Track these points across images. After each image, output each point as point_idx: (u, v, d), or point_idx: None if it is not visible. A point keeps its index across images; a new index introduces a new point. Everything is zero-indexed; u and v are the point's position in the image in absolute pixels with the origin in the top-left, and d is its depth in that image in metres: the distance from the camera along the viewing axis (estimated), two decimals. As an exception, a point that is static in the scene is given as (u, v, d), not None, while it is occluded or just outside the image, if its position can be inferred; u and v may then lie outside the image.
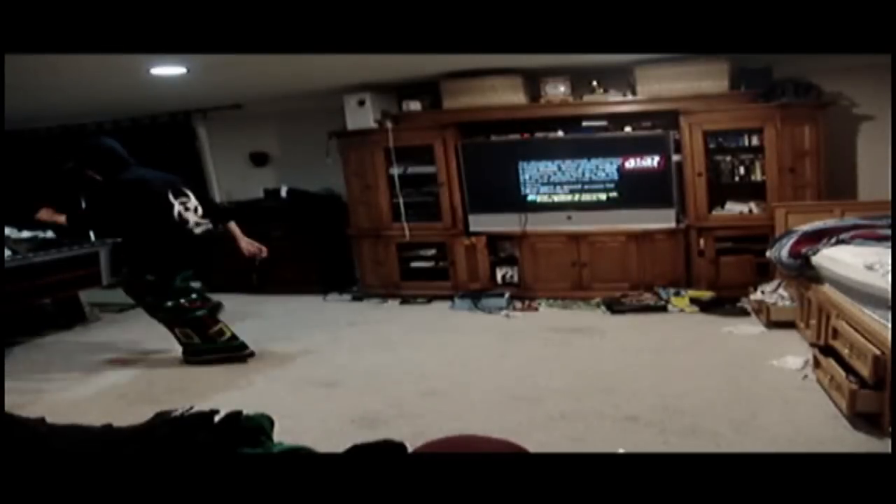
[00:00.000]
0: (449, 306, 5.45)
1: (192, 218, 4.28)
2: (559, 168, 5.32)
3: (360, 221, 5.94)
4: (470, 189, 5.55)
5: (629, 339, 4.30)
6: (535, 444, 2.29)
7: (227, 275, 6.56)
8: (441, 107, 5.54)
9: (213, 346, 4.31)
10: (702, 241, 5.06)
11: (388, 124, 5.59)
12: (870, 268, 2.97)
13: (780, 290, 4.35)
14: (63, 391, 3.96)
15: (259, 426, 2.13)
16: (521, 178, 5.40)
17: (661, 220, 5.11)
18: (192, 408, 2.18)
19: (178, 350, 4.40)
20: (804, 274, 3.78)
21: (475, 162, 5.51)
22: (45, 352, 4.91)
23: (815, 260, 3.61)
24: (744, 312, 4.64)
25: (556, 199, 5.37)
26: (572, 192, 5.32)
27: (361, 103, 5.60)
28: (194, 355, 4.33)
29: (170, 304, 4.25)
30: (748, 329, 4.28)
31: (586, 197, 5.29)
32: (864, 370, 2.72)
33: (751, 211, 4.99)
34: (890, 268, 2.78)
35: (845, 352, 2.98)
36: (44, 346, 5.06)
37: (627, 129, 5.21)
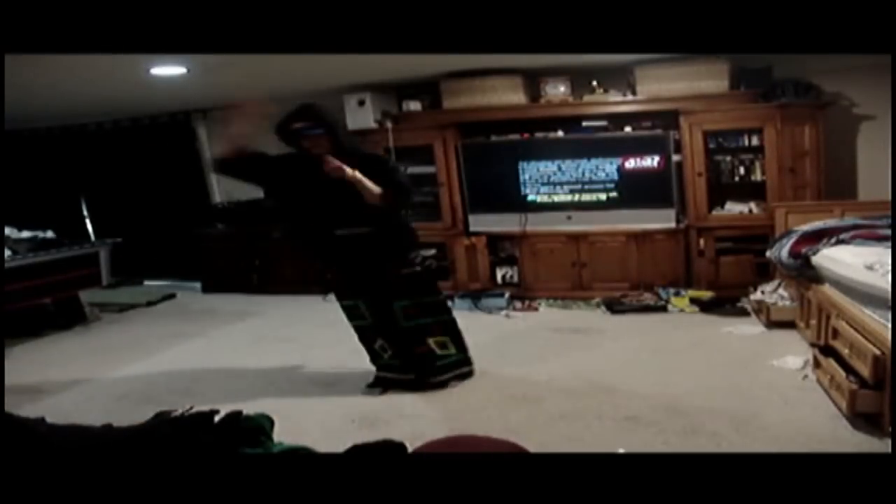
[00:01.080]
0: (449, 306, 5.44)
1: None
2: (559, 168, 5.32)
3: (360, 221, 5.92)
4: (470, 189, 5.55)
5: (629, 339, 4.30)
6: (535, 444, 2.29)
7: (227, 275, 6.59)
8: (441, 107, 5.54)
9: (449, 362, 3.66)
10: (702, 241, 5.06)
11: (388, 124, 5.59)
12: (870, 268, 2.97)
13: (780, 290, 4.35)
14: (63, 391, 3.96)
15: (259, 426, 2.13)
16: (522, 177, 5.40)
17: (661, 220, 5.11)
18: (192, 408, 2.18)
19: (174, 349, 4.39)
20: (804, 274, 3.78)
21: (475, 162, 5.51)
22: (45, 352, 4.91)
23: (815, 260, 3.61)
24: (744, 312, 4.64)
25: (556, 199, 5.37)
26: (572, 192, 5.32)
27: (361, 103, 5.59)
28: (433, 375, 3.61)
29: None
30: (748, 329, 4.28)
31: (586, 197, 5.28)
32: (864, 370, 2.72)
33: (751, 211, 4.99)
34: (890, 268, 2.78)
35: (845, 352, 2.98)
36: (44, 346, 5.05)
37: (627, 129, 5.21)
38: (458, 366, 3.68)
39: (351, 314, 3.70)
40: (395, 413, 3.31)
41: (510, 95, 5.31)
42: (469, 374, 3.72)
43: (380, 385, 3.63)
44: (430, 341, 3.60)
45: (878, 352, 2.64)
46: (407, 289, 3.54)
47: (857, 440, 2.68)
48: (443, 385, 3.59)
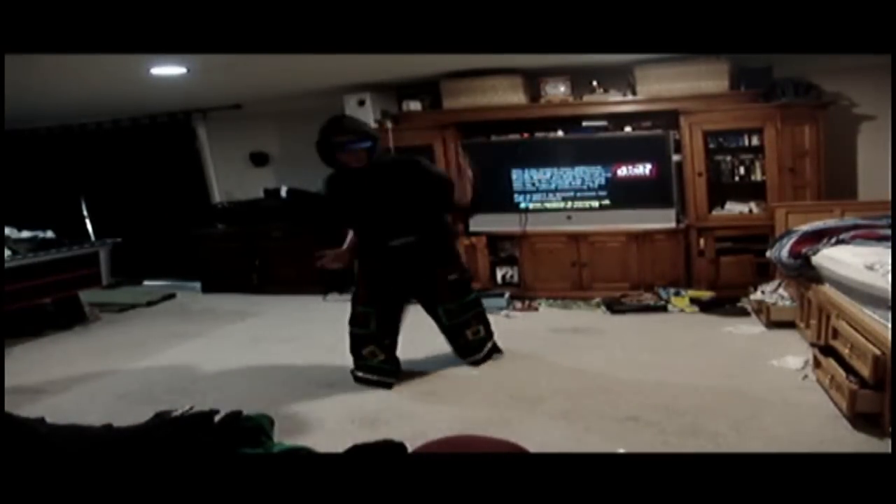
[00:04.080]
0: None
1: None
2: (551, 176, 5.32)
3: (360, 221, 5.93)
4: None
5: (629, 339, 4.30)
6: (535, 444, 2.29)
7: (227, 275, 6.59)
8: (441, 107, 5.54)
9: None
10: (702, 241, 5.06)
11: (388, 124, 5.59)
12: (870, 268, 2.97)
13: (780, 290, 4.35)
14: (63, 391, 3.96)
15: (259, 426, 2.14)
16: (521, 179, 5.40)
17: (661, 220, 5.11)
18: (191, 408, 2.19)
19: (174, 350, 4.38)
20: (804, 274, 3.78)
21: (475, 162, 5.48)
22: (45, 352, 4.91)
23: (815, 260, 3.61)
24: (744, 312, 4.64)
25: (548, 206, 5.37)
26: (564, 199, 5.33)
27: (361, 103, 5.59)
28: (471, 355, 3.92)
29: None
30: (748, 329, 4.28)
31: (589, 195, 5.29)
32: (864, 370, 2.72)
33: (751, 211, 4.99)
34: (890, 268, 2.78)
35: (845, 352, 2.98)
36: (44, 346, 5.05)
37: (627, 129, 5.21)
38: (484, 343, 3.95)
39: (358, 321, 3.79)
40: (395, 413, 3.31)
41: (510, 95, 5.31)
42: (497, 350, 4.00)
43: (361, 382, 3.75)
44: (468, 332, 3.87)
45: (878, 352, 2.64)
46: (450, 293, 3.80)
47: (857, 440, 2.68)
48: (476, 364, 3.89)
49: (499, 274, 5.62)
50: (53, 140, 7.37)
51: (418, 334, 4.57)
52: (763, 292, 4.43)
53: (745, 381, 3.40)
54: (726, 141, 5.01)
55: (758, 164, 4.96)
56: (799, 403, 3.08)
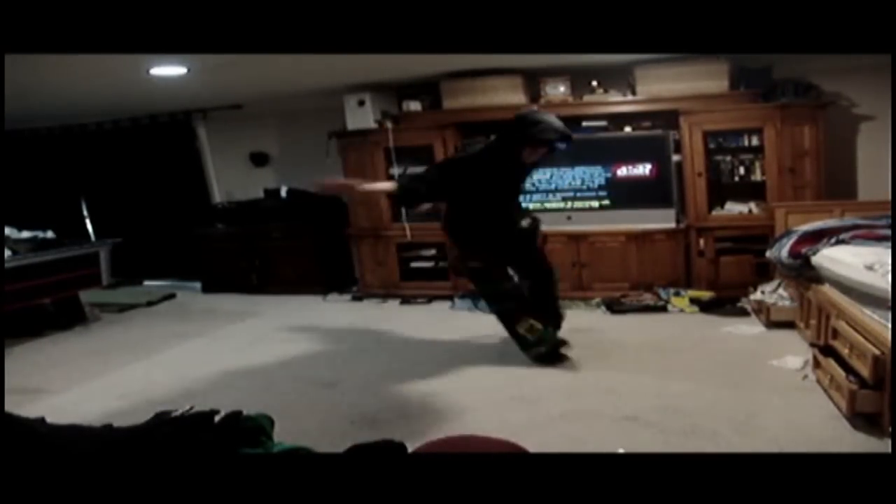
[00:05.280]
0: (449, 306, 5.45)
1: None
2: (559, 168, 5.32)
3: (360, 221, 5.94)
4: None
5: (629, 339, 4.30)
6: (535, 444, 2.29)
7: (227, 275, 6.59)
8: (441, 107, 5.54)
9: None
10: (702, 241, 5.06)
11: (388, 124, 5.59)
12: (870, 268, 2.97)
13: (780, 290, 4.35)
14: (63, 391, 3.96)
15: (259, 426, 2.13)
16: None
17: (660, 220, 5.11)
18: (192, 408, 2.18)
19: (174, 350, 4.37)
20: (804, 274, 3.78)
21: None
22: (45, 352, 4.91)
23: (815, 260, 3.61)
24: (744, 312, 4.64)
25: (549, 206, 5.37)
26: (574, 192, 5.33)
27: (361, 103, 5.60)
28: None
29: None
30: (748, 329, 4.28)
31: (589, 195, 5.29)
32: (864, 370, 2.72)
33: (751, 211, 4.99)
34: (890, 268, 2.78)
35: (845, 352, 2.98)
36: (44, 346, 5.05)
37: (627, 129, 5.21)
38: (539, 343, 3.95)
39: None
40: (395, 413, 3.31)
41: (510, 95, 5.31)
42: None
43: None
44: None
45: (877, 352, 2.65)
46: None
47: (857, 440, 2.68)
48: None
49: (499, 274, 5.61)
50: (53, 140, 7.37)
51: (419, 335, 4.58)
52: (763, 292, 4.43)
53: (745, 381, 3.40)
54: (726, 141, 5.01)
55: (758, 164, 4.96)
56: (799, 403, 3.08)
